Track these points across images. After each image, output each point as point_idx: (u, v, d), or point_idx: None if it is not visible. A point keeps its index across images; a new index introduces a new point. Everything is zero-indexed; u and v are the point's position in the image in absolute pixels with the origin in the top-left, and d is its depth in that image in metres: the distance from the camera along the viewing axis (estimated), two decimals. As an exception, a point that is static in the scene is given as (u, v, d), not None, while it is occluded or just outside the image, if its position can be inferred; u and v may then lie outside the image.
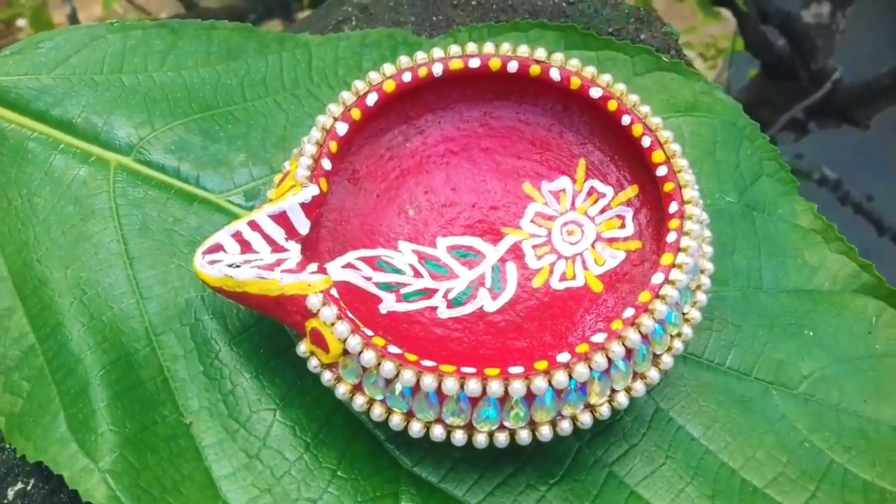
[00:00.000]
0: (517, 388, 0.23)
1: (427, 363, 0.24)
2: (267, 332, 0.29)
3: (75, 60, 0.33)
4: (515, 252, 0.29)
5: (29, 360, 0.28)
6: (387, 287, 0.28)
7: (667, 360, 0.25)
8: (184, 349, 0.28)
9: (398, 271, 0.28)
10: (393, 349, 0.24)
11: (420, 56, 0.29)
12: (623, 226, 0.29)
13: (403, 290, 0.28)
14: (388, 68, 0.28)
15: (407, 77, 0.28)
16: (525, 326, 0.27)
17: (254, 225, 0.26)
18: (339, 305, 0.24)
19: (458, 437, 0.24)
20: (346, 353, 0.24)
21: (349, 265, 0.28)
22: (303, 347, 0.25)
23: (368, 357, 0.24)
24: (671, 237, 0.26)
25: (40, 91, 0.32)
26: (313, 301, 0.24)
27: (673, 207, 0.26)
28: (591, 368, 0.24)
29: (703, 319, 0.29)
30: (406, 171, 0.30)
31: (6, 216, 0.30)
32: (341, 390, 0.25)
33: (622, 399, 0.24)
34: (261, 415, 0.27)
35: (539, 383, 0.23)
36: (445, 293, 0.28)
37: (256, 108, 0.33)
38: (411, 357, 0.24)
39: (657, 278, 0.25)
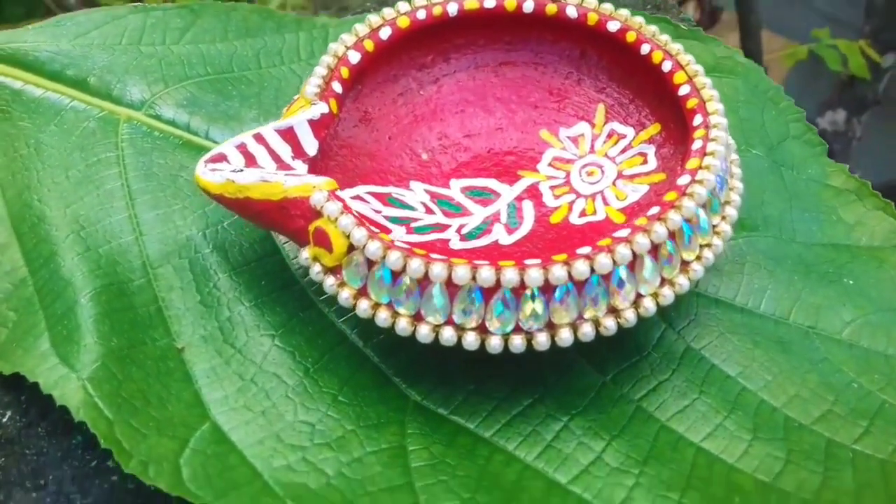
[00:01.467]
0: (534, 276, 0.21)
1: (436, 256, 0.22)
2: (270, 268, 0.27)
3: (95, 33, 0.34)
4: (532, 192, 0.28)
5: (19, 291, 0.26)
6: (397, 221, 0.27)
7: (697, 269, 0.23)
8: (181, 280, 0.26)
9: (409, 207, 0.27)
10: (399, 244, 0.22)
11: (435, -2, 0.29)
12: (645, 162, 0.27)
13: (414, 224, 0.27)
14: (403, 5, 0.28)
15: (421, 14, 0.28)
16: (543, 256, 0.26)
17: (259, 138, 0.25)
18: (344, 203, 0.23)
19: (470, 340, 0.22)
20: (350, 249, 0.23)
21: (358, 197, 0.27)
22: (305, 254, 0.24)
23: (374, 248, 0.22)
24: (696, 144, 0.24)
25: (57, 53, 0.32)
26: (318, 197, 0.23)
27: (697, 120, 0.25)
28: (614, 261, 0.22)
29: (734, 263, 0.27)
30: (419, 117, 0.29)
31: (11, 163, 0.30)
32: (344, 295, 0.23)
33: (649, 305, 0.22)
34: (259, 340, 0.25)
35: (557, 272, 0.21)
36: (459, 228, 0.27)
37: (271, 74, 0.33)
38: (419, 252, 0.22)
39: (683, 180, 0.23)
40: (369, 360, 0.25)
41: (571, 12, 0.28)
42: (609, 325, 0.22)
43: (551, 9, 0.28)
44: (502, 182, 0.28)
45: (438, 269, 0.22)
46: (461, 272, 0.21)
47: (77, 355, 0.24)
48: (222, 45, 0.34)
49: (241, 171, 0.24)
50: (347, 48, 0.27)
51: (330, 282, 0.23)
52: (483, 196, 0.28)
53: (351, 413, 0.24)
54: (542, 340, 0.22)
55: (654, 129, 0.28)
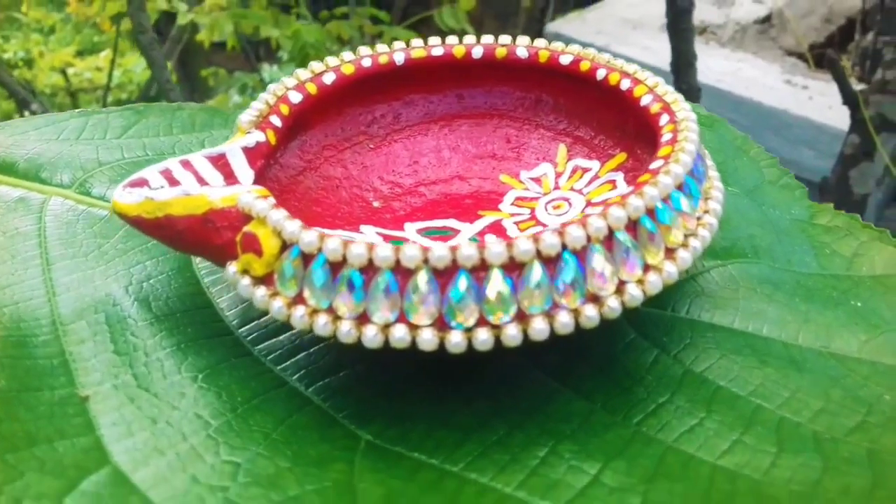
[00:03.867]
0: (496, 251, 0.18)
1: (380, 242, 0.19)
2: (199, 318, 0.24)
3: (32, 133, 0.32)
4: (495, 228, 0.25)
5: None
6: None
7: (684, 256, 0.20)
8: (93, 333, 0.23)
9: (359, 248, 0.24)
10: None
11: (381, 48, 0.28)
12: (614, 187, 0.25)
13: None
14: (347, 54, 0.27)
15: (366, 62, 0.27)
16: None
17: (186, 164, 0.23)
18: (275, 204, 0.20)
19: (427, 338, 0.18)
20: (284, 247, 0.20)
21: (301, 237, 0.24)
22: (232, 268, 0.21)
23: (309, 238, 0.19)
24: (666, 137, 0.22)
25: (-14, 144, 0.31)
26: (246, 199, 0.20)
27: (664, 119, 0.23)
28: (587, 236, 0.19)
29: (726, 289, 0.24)
30: (369, 168, 0.27)
31: (-82, 243, 0.27)
32: (277, 305, 0.19)
33: (634, 292, 0.19)
34: (180, 383, 0.21)
35: (523, 246, 0.18)
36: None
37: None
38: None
39: (656, 164, 0.21)
40: (311, 402, 0.21)
41: (522, 52, 0.27)
42: (590, 314, 0.19)
43: (501, 52, 0.27)
44: (462, 221, 0.26)
45: (385, 252, 0.18)
46: (410, 252, 0.18)
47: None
48: (166, 138, 0.32)
49: (161, 188, 0.22)
50: (288, 88, 0.26)
51: (260, 293, 0.20)
52: (441, 234, 0.25)
53: (287, 451, 0.19)
54: (512, 333, 0.18)
55: (620, 157, 0.26)
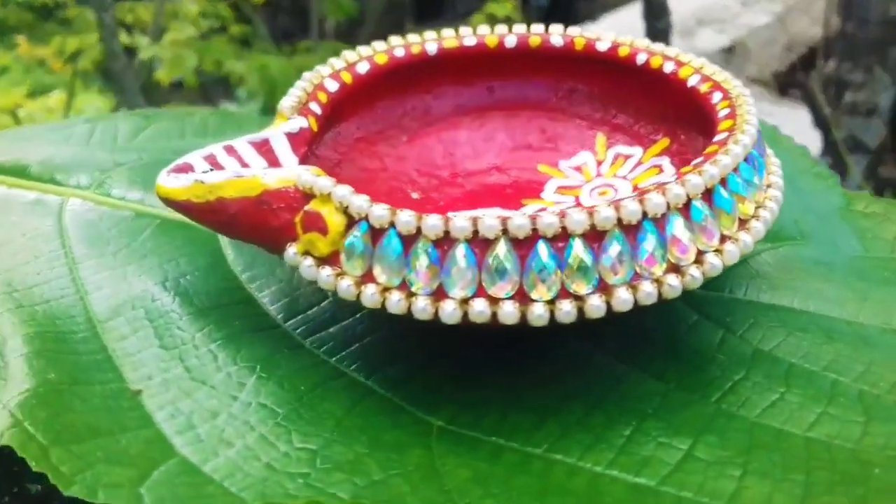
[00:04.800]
0: (577, 219, 0.18)
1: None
2: (243, 312, 0.23)
3: (38, 139, 0.31)
4: (542, 215, 0.25)
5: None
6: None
7: (756, 227, 0.20)
8: (134, 329, 0.22)
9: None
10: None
11: (412, 37, 0.27)
12: (661, 171, 0.25)
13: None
14: (380, 45, 0.27)
15: (399, 52, 0.26)
16: None
17: (230, 150, 0.22)
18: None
19: (508, 311, 0.18)
20: (350, 224, 0.19)
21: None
22: (293, 250, 0.20)
23: (380, 212, 0.18)
24: (723, 112, 0.22)
25: (-5, 148, 0.29)
26: (305, 178, 0.20)
27: (716, 97, 0.23)
28: (667, 203, 0.18)
29: (782, 270, 0.24)
30: (405, 160, 0.27)
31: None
32: (345, 284, 0.19)
33: (714, 261, 0.19)
34: (237, 373, 0.20)
35: (605, 213, 0.18)
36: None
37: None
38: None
39: (720, 136, 0.21)
40: (375, 392, 0.20)
41: (557, 41, 0.27)
42: (673, 283, 0.18)
43: (535, 40, 0.27)
44: (507, 210, 0.25)
45: (462, 223, 0.18)
46: (489, 223, 0.18)
47: (2, 391, 0.18)
48: (181, 142, 0.31)
49: (211, 170, 0.21)
50: (324, 76, 0.25)
51: (326, 273, 0.19)
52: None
53: (362, 438, 0.18)
54: (596, 304, 0.18)
55: (663, 142, 0.26)
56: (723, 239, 0.19)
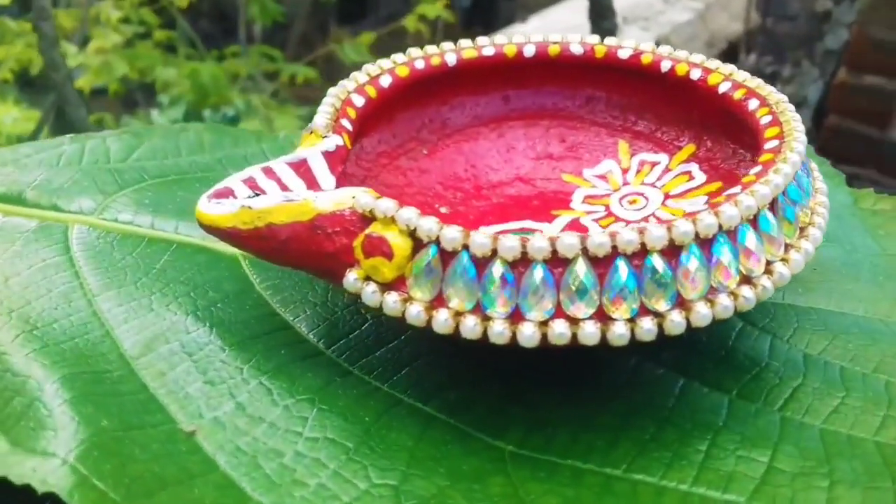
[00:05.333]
0: (656, 235, 0.17)
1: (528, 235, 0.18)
2: (285, 340, 0.22)
3: (27, 161, 0.29)
4: (575, 227, 0.24)
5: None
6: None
7: (814, 234, 0.20)
8: (171, 365, 0.20)
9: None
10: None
11: (431, 49, 0.26)
12: (692, 178, 0.25)
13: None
14: (399, 57, 0.26)
15: (420, 64, 0.26)
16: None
17: (269, 172, 0.21)
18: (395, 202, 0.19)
19: (590, 331, 0.17)
20: (417, 246, 0.18)
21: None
22: (353, 276, 0.19)
23: (451, 235, 0.18)
24: (765, 119, 0.22)
25: (-17, 174, 0.28)
26: (365, 200, 0.19)
27: (753, 104, 0.23)
28: (740, 215, 0.18)
29: (812, 271, 0.24)
30: (429, 173, 0.26)
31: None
32: (415, 310, 0.18)
33: (783, 271, 0.19)
34: (296, 406, 0.19)
35: (683, 227, 0.18)
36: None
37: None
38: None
39: (771, 144, 0.21)
40: (436, 418, 0.19)
41: (576, 49, 0.26)
42: (748, 294, 0.18)
43: (554, 49, 0.27)
44: (538, 222, 0.25)
45: (540, 243, 0.17)
46: (568, 241, 0.17)
47: (54, 441, 0.17)
48: (178, 159, 0.30)
49: (258, 195, 0.20)
50: (350, 91, 0.24)
51: (392, 299, 0.18)
52: (524, 236, 0.24)
53: (440, 469, 0.18)
54: (676, 320, 0.18)
55: (689, 148, 0.26)
56: (786, 248, 0.19)
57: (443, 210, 0.25)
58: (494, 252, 0.18)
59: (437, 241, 0.18)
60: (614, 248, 0.17)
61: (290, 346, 0.21)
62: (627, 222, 0.24)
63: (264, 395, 0.20)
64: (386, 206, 0.18)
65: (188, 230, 0.26)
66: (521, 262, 0.18)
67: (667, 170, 0.25)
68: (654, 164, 0.26)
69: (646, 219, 0.24)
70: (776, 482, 0.17)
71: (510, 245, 0.17)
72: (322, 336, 0.22)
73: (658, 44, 0.26)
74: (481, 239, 0.18)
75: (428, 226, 0.18)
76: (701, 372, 0.21)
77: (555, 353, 0.19)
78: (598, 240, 0.17)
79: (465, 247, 0.18)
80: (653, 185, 0.25)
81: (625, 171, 0.26)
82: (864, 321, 0.23)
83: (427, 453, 0.18)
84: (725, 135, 0.25)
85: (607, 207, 0.25)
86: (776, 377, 0.21)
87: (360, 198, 0.19)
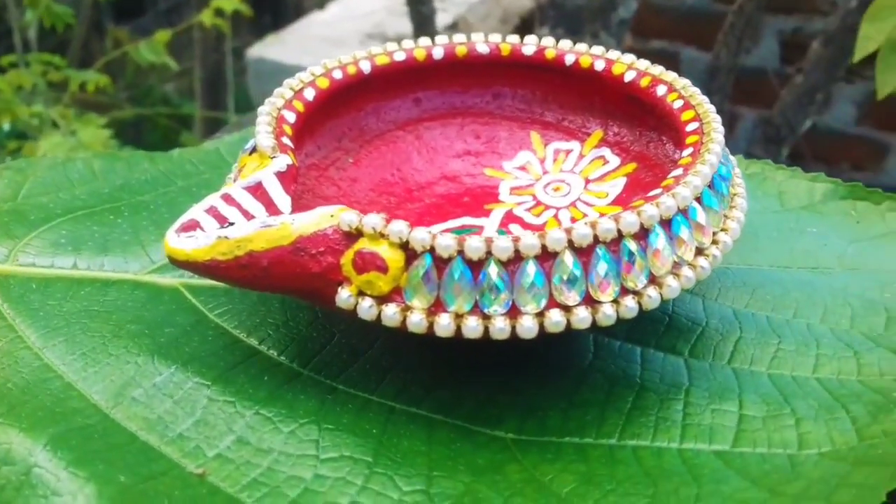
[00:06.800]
0: (629, 221, 0.19)
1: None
2: (262, 366, 0.22)
3: None
4: (511, 218, 0.26)
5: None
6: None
7: (703, 265, 0.21)
8: (149, 407, 0.20)
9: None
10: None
11: (345, 58, 0.27)
12: (606, 161, 0.27)
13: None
14: (317, 68, 0.26)
15: (337, 74, 0.26)
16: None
17: (228, 199, 0.21)
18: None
19: (582, 316, 0.19)
20: (410, 257, 0.19)
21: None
22: (346, 293, 0.19)
23: (445, 243, 0.18)
24: (677, 104, 0.24)
25: None
26: (348, 217, 0.19)
27: (661, 90, 0.25)
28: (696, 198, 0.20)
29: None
30: (358, 181, 0.26)
31: None
32: (415, 319, 0.19)
33: (716, 252, 0.21)
34: (302, 430, 0.19)
35: (650, 212, 0.19)
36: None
37: (156, 196, 0.28)
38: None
39: (692, 138, 0.23)
40: (435, 420, 0.20)
41: (483, 49, 0.28)
42: (704, 265, 0.20)
43: (461, 50, 0.28)
44: (476, 217, 0.26)
45: (530, 240, 0.19)
46: (555, 235, 0.19)
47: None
48: (71, 191, 0.28)
49: (233, 224, 0.20)
50: (280, 109, 0.24)
51: (390, 311, 0.19)
52: (467, 233, 0.25)
53: (459, 467, 0.19)
54: (653, 296, 0.19)
55: (597, 134, 0.28)
56: (724, 219, 0.22)
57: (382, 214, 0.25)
58: (488, 254, 0.18)
59: (432, 250, 0.19)
60: (595, 237, 0.19)
61: (269, 370, 0.21)
62: (557, 209, 0.26)
63: (264, 423, 0.20)
64: (374, 221, 0.19)
65: (115, 265, 0.25)
66: (514, 261, 0.19)
67: (581, 156, 0.27)
68: (567, 152, 0.28)
69: (573, 203, 0.26)
70: (751, 427, 0.20)
71: (503, 246, 0.18)
72: (294, 356, 0.22)
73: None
74: (476, 243, 0.18)
75: (421, 236, 0.19)
76: (654, 339, 0.23)
77: (523, 341, 0.20)
78: (583, 231, 0.19)
79: (460, 252, 0.18)
80: (571, 171, 0.27)
81: (542, 161, 0.28)
82: (770, 272, 0.26)
83: (442, 454, 0.19)
84: (629, 119, 0.27)
85: (534, 196, 0.26)
86: (718, 334, 0.23)
87: (345, 216, 0.19)
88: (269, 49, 1.80)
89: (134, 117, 1.80)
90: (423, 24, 0.88)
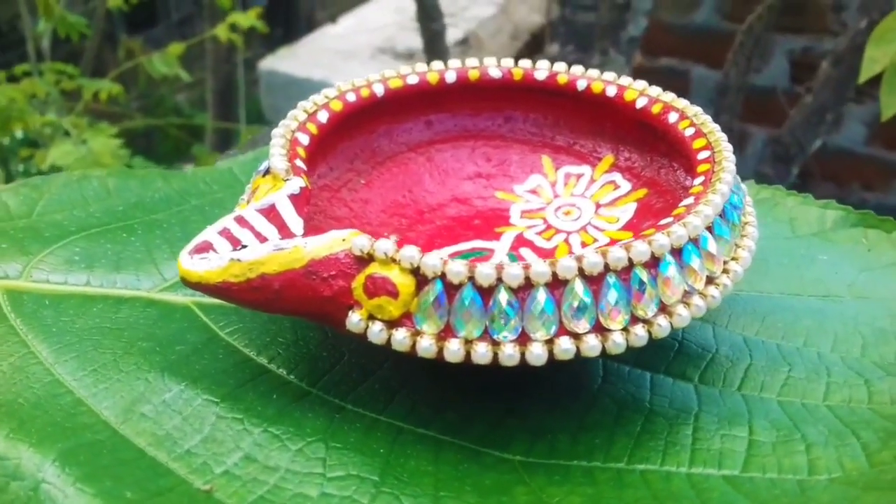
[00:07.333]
0: (641, 250, 0.19)
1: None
2: (273, 384, 0.22)
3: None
4: (521, 242, 0.26)
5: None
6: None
7: (714, 294, 0.21)
8: (157, 423, 0.20)
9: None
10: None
11: (358, 81, 0.27)
12: (617, 186, 0.27)
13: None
14: (331, 91, 0.26)
15: (351, 97, 0.26)
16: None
17: (241, 221, 0.21)
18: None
19: (592, 344, 0.19)
20: (421, 282, 0.19)
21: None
22: (357, 317, 0.19)
23: (456, 269, 0.19)
24: (689, 131, 0.24)
25: None
26: (360, 242, 0.19)
27: (673, 117, 0.25)
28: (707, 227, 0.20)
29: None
30: (370, 202, 0.27)
31: None
32: (425, 344, 0.19)
33: (726, 282, 0.21)
34: (310, 448, 0.19)
35: (661, 241, 0.19)
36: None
37: (169, 215, 0.28)
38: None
39: (703, 167, 0.23)
40: (443, 441, 0.20)
41: (495, 73, 0.28)
42: (714, 294, 0.20)
43: (474, 74, 0.28)
44: (486, 241, 0.26)
45: (541, 268, 0.19)
46: (566, 263, 0.19)
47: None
48: (82, 210, 0.29)
49: (245, 246, 0.20)
50: (293, 131, 0.24)
51: (400, 336, 0.19)
52: (477, 255, 0.25)
53: (466, 487, 0.19)
54: (663, 325, 0.19)
55: (609, 159, 0.28)
56: (735, 248, 0.22)
57: (393, 238, 0.26)
58: (499, 281, 0.19)
59: (443, 276, 0.19)
60: (606, 265, 0.19)
61: (278, 389, 0.21)
62: (568, 233, 0.26)
63: (271, 441, 0.20)
64: (385, 246, 0.19)
65: (128, 283, 0.25)
66: (524, 288, 0.19)
67: (592, 181, 0.27)
68: (579, 176, 0.28)
69: (584, 228, 0.26)
70: (761, 452, 0.20)
71: (514, 273, 0.19)
72: (304, 375, 0.22)
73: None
74: (487, 270, 0.19)
75: (432, 262, 0.19)
76: (663, 365, 0.23)
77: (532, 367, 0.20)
78: (593, 259, 0.19)
79: (471, 279, 0.19)
80: (582, 195, 0.27)
81: (553, 185, 0.28)
82: (780, 299, 0.26)
83: (449, 475, 0.19)
84: (640, 145, 0.27)
85: (545, 220, 0.27)
86: (728, 361, 0.23)
87: (357, 240, 0.19)
88: (281, 62, 1.81)
89: (145, 127, 1.81)
90: (433, 39, 0.89)
